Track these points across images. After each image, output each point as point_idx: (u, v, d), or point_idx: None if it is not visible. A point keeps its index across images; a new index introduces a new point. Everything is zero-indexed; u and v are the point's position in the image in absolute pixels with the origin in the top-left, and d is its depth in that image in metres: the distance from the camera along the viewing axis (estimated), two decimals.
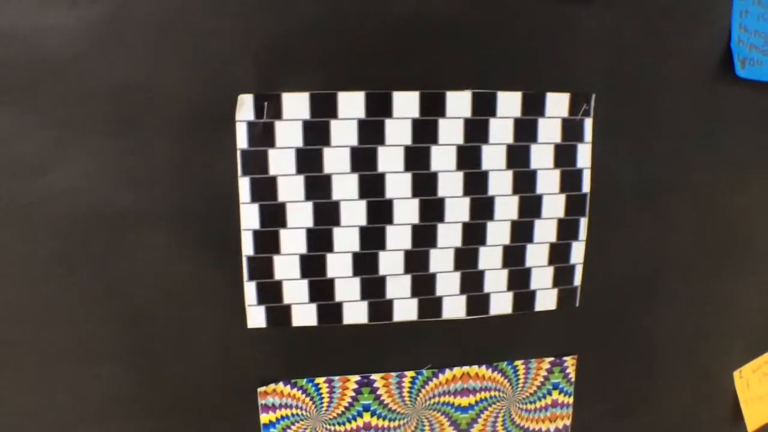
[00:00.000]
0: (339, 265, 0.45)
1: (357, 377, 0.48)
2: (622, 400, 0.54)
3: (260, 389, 0.47)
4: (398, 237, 0.46)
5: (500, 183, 0.46)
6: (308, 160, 0.43)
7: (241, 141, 0.42)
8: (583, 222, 0.49)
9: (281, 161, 0.43)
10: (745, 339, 0.58)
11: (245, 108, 0.42)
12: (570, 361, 0.52)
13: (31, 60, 0.39)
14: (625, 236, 0.50)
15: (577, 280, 0.50)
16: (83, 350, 0.45)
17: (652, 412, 0.55)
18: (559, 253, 0.49)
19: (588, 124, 0.47)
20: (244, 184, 0.43)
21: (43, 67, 0.39)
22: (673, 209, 0.51)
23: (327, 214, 0.45)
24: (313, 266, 0.45)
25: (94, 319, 0.44)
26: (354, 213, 0.45)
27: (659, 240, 0.51)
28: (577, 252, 0.49)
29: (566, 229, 0.48)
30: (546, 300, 0.50)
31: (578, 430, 0.54)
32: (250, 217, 0.44)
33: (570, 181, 0.48)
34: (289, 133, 0.43)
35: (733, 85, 0.50)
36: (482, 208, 0.46)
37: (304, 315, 0.46)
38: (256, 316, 0.46)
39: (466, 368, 0.50)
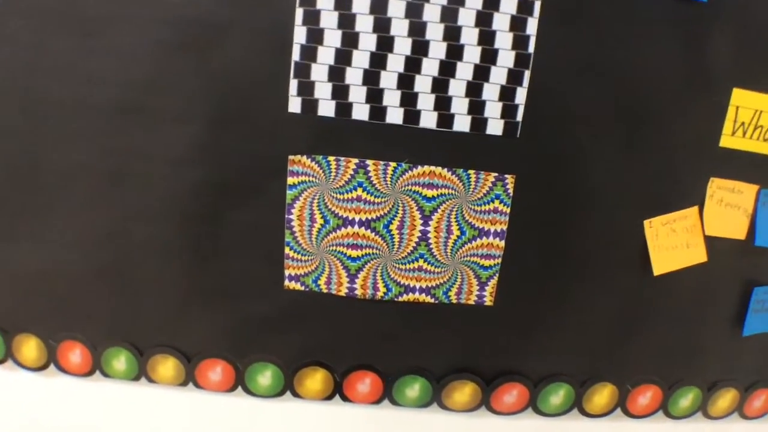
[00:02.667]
0: (353, 77, 0.68)
1: (356, 160, 0.70)
2: (546, 217, 0.73)
3: (290, 157, 0.70)
4: (395, 63, 0.68)
5: (469, 36, 0.67)
6: (341, 3, 0.66)
7: None
8: (527, 74, 0.68)
9: (324, 1, 0.66)
10: (657, 196, 0.74)
11: None
12: (510, 179, 0.71)
13: None
14: (558, 87, 0.69)
15: (519, 116, 0.69)
16: (169, 110, 0.68)
17: (572, 233, 0.73)
18: (507, 94, 0.69)
19: (537, 3, 0.67)
20: (299, 13, 0.66)
21: None
22: (597, 78, 0.69)
23: (350, 41, 0.67)
24: (336, 75, 0.68)
25: (184, 86, 0.68)
26: (367, 42, 0.67)
27: (586, 95, 0.69)
28: (521, 95, 0.69)
29: (514, 77, 0.68)
30: (495, 127, 0.69)
31: (511, 234, 0.73)
32: (300, 35, 0.67)
33: (520, 42, 0.68)
34: None
35: None
36: (455, 52, 0.67)
37: (327, 108, 0.68)
38: (295, 104, 0.68)
39: (432, 167, 0.70)
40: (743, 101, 0.74)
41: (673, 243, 0.76)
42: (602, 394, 0.82)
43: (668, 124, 0.72)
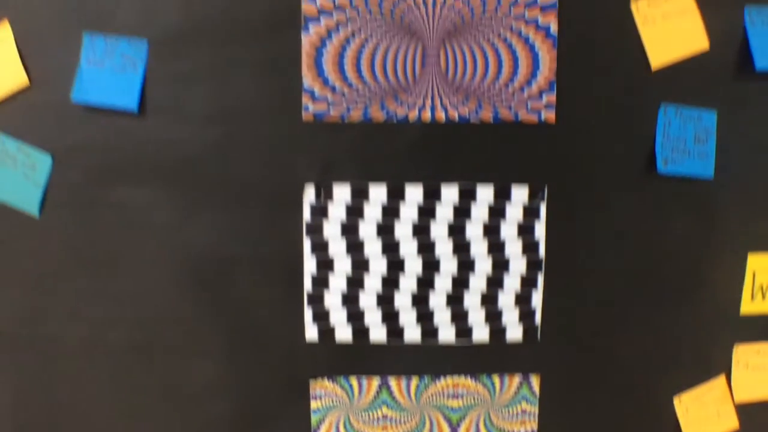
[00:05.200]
0: (367, 300, 0.67)
1: (378, 379, 0.69)
2: (576, 414, 0.71)
3: (312, 381, 0.69)
4: (407, 283, 0.67)
5: (479, 247, 0.67)
6: (348, 229, 0.66)
7: (306, 215, 0.66)
8: (540, 277, 0.68)
9: (331, 229, 0.66)
10: (684, 370, 0.73)
11: (309, 193, 0.65)
12: (534, 379, 0.70)
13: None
14: (573, 288, 0.68)
15: (537, 320, 0.69)
16: (185, 346, 0.68)
17: (602, 423, 0.72)
18: (522, 299, 0.68)
19: (543, 207, 0.67)
20: (307, 242, 0.66)
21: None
22: (611, 267, 0.69)
23: (360, 266, 0.67)
24: (349, 300, 0.67)
25: (198, 321, 0.68)
26: (378, 265, 0.67)
27: (603, 289, 0.69)
28: (537, 299, 0.68)
29: (528, 282, 0.68)
30: (514, 333, 0.69)
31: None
32: (309, 264, 0.66)
33: (530, 248, 0.67)
34: (337, 210, 0.66)
35: (657, 179, 0.69)
36: (466, 265, 0.67)
37: (344, 333, 0.68)
38: (311, 332, 0.68)
39: (456, 378, 0.69)
40: (759, 266, 0.74)
41: (704, 415, 0.75)
42: None
43: (688, 299, 0.72)
